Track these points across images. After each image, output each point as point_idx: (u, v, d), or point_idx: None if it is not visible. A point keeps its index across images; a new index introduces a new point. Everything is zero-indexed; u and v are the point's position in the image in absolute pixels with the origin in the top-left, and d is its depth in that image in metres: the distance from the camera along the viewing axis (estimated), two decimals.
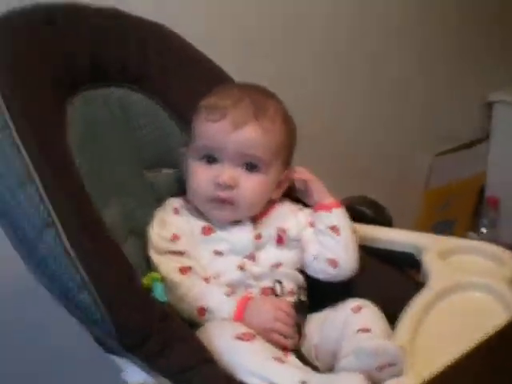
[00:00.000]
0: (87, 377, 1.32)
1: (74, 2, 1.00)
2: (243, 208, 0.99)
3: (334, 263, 1.00)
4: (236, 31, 1.51)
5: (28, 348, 1.31)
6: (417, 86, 2.06)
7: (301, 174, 1.07)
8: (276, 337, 0.90)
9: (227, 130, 0.96)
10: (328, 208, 1.03)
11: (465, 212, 2.39)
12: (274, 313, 0.92)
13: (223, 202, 0.98)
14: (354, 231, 1.03)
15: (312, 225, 1.04)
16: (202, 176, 0.98)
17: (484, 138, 2.35)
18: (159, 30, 1.10)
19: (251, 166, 0.99)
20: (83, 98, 0.97)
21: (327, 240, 1.01)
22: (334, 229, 1.01)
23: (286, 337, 0.92)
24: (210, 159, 0.98)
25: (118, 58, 1.02)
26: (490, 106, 2.31)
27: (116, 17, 1.04)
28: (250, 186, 0.98)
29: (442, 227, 2.28)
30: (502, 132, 2.32)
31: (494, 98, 2.29)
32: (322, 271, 1.02)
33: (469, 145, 2.31)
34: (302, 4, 1.65)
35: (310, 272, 1.04)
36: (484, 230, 2.33)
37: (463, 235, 2.29)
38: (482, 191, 2.41)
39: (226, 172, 0.97)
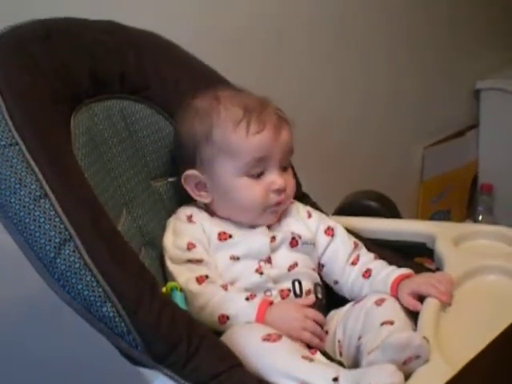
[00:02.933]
0: None
1: (70, 17, 0.99)
2: (283, 207, 1.03)
3: None
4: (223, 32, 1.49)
5: None
6: (407, 79, 2.07)
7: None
8: (301, 343, 0.89)
9: (273, 136, 0.97)
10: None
11: (460, 201, 2.41)
12: (303, 322, 0.91)
13: (278, 205, 1.00)
14: None
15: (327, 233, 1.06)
16: (256, 190, 0.98)
17: (473, 126, 2.37)
18: (154, 39, 1.10)
19: (285, 166, 1.01)
20: (86, 112, 0.96)
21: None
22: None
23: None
24: (258, 171, 0.98)
25: (117, 70, 1.01)
26: (477, 93, 2.33)
27: (112, 29, 1.04)
28: (291, 183, 1.02)
29: (439, 218, 2.29)
30: (491, 119, 2.33)
31: (482, 85, 2.31)
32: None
33: (459, 134, 2.32)
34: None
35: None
36: (480, 218, 2.34)
37: None
38: (475, 179, 2.42)
39: (279, 177, 0.99)
